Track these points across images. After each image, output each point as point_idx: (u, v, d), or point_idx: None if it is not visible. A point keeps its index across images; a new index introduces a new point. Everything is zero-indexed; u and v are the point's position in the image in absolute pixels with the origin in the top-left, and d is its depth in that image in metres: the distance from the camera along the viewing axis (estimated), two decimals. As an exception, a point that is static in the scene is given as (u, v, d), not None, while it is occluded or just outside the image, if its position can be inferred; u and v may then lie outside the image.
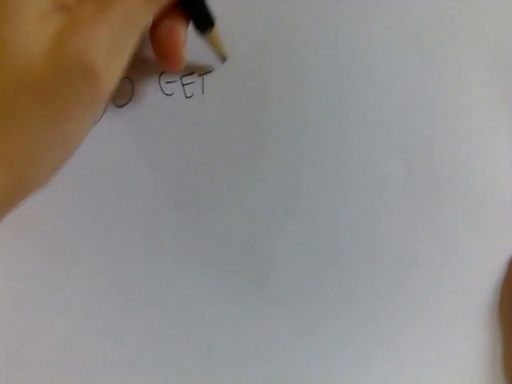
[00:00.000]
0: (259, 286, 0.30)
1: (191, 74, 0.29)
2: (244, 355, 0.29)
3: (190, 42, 0.28)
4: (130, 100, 0.30)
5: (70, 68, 0.23)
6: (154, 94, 0.30)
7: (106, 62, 0.23)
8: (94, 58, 0.23)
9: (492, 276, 0.31)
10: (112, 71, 0.24)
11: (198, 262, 0.30)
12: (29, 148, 0.23)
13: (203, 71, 0.31)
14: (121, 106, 0.30)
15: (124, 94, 0.30)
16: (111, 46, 0.23)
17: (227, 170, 0.31)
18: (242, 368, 0.29)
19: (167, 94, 0.30)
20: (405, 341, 0.30)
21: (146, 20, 0.25)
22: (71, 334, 0.29)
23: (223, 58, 0.31)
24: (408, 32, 0.33)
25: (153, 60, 0.29)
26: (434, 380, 0.30)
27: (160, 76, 0.30)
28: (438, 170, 0.32)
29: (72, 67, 0.23)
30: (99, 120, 0.29)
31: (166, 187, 0.31)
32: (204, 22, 0.28)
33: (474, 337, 0.31)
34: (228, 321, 0.30)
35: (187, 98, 0.32)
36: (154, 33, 0.27)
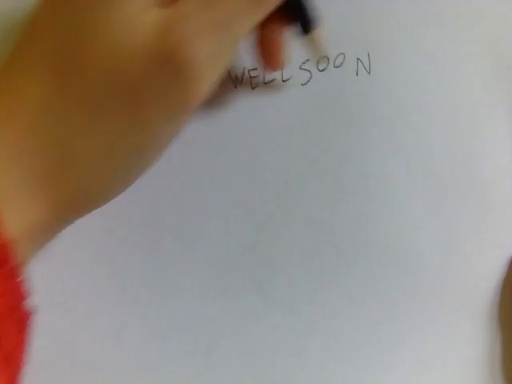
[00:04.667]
0: (259, 287, 0.30)
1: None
2: (244, 355, 0.29)
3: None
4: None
5: (163, 63, 0.21)
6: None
7: (201, 64, 0.21)
8: (190, 58, 0.21)
9: (492, 276, 0.31)
10: (206, 76, 0.22)
11: (198, 262, 0.30)
12: (109, 150, 0.22)
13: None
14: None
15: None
16: (210, 48, 0.22)
17: (228, 170, 0.31)
18: (242, 368, 0.29)
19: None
20: (404, 341, 0.30)
21: (249, 25, 0.23)
22: (71, 334, 0.29)
23: (322, 61, 0.29)
24: (408, 31, 0.33)
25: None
26: (433, 380, 0.30)
27: None
28: (437, 169, 0.32)
29: (165, 62, 0.21)
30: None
31: (167, 187, 0.31)
32: (306, 25, 0.28)
33: (473, 337, 0.31)
34: (228, 321, 0.30)
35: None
36: (258, 34, 0.26)
